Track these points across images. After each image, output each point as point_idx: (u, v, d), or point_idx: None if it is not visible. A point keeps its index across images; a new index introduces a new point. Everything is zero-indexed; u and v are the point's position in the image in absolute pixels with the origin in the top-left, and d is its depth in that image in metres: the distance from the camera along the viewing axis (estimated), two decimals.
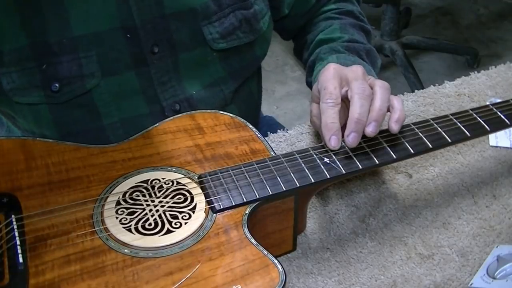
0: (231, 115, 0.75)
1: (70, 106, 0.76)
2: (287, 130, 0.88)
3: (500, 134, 0.86)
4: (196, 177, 0.66)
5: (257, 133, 0.72)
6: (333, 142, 0.67)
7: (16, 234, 0.59)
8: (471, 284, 0.65)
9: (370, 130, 0.66)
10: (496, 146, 0.85)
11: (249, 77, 0.93)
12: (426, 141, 0.69)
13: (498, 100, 0.76)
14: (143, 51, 0.77)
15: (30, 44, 0.72)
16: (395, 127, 0.68)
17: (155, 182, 0.65)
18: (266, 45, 0.91)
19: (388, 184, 0.79)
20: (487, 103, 0.75)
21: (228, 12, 0.82)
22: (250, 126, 0.73)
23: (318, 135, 0.87)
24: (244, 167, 0.66)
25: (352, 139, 0.66)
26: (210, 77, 0.85)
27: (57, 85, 0.74)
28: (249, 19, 0.84)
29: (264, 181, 0.64)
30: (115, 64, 0.76)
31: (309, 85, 0.92)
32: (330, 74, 0.71)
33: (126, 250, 0.58)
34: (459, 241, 0.71)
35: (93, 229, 0.60)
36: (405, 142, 0.69)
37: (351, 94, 0.68)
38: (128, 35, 0.76)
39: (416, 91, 0.97)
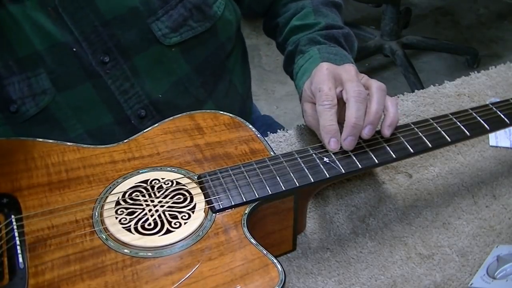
0: (230, 115, 0.74)
1: (32, 124, 0.75)
2: (287, 130, 0.88)
3: (500, 134, 0.86)
4: (196, 177, 0.66)
5: (256, 133, 0.72)
6: (332, 144, 0.67)
7: (16, 234, 0.59)
8: (471, 284, 0.65)
9: (366, 133, 0.67)
10: (496, 146, 0.85)
11: (227, 68, 0.89)
12: (426, 140, 0.69)
13: (498, 100, 0.76)
14: (92, 63, 0.75)
15: None
16: (387, 132, 0.68)
17: (155, 182, 0.65)
18: (230, 28, 0.87)
19: (388, 184, 0.79)
20: (487, 103, 0.75)
21: (175, 3, 0.79)
22: (250, 126, 0.73)
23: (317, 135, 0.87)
24: (243, 167, 0.66)
25: (348, 142, 0.66)
26: (175, 75, 0.82)
27: (15, 106, 0.74)
28: (199, 6, 0.81)
29: (264, 181, 0.64)
30: (67, 79, 0.75)
31: (289, 74, 0.90)
32: (324, 75, 0.70)
33: (125, 250, 0.58)
34: (459, 241, 0.71)
35: (93, 229, 0.60)
36: (405, 142, 0.69)
37: (346, 97, 0.68)
38: (74, 49, 0.74)
39: (416, 91, 0.97)
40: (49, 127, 0.76)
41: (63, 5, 0.72)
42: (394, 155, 0.68)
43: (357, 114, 0.66)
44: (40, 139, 0.70)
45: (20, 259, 0.57)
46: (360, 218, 0.75)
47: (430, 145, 0.69)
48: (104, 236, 0.60)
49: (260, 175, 0.65)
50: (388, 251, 0.70)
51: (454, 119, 0.72)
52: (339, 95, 0.69)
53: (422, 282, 0.67)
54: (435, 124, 0.71)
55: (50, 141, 0.71)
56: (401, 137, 0.70)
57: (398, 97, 0.95)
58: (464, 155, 0.84)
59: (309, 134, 0.87)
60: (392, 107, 0.69)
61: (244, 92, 0.97)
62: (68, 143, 0.70)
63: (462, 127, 0.70)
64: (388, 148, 0.68)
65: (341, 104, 0.70)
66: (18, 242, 0.58)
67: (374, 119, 0.67)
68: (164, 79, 0.81)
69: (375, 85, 0.69)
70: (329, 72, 0.71)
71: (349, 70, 0.70)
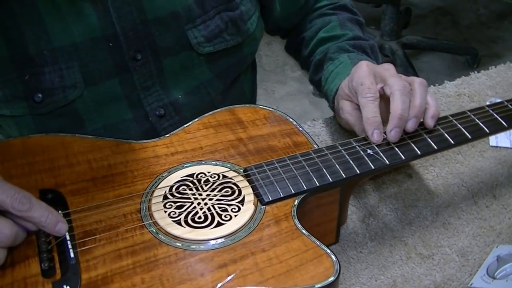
0: (270, 108, 0.75)
1: (53, 116, 0.75)
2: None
3: (500, 134, 0.86)
4: (242, 170, 0.65)
5: (298, 126, 0.72)
6: (376, 136, 0.68)
7: None
8: (471, 284, 0.65)
9: (410, 126, 0.68)
10: (496, 146, 0.86)
11: (241, 77, 0.91)
12: (465, 132, 0.70)
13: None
14: (125, 58, 0.75)
15: (11, 55, 0.71)
16: (431, 123, 0.70)
17: (201, 176, 0.65)
18: (254, 44, 0.89)
19: (388, 184, 0.80)
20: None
21: (213, 14, 0.80)
22: (291, 119, 0.73)
23: (317, 135, 0.88)
24: (289, 160, 0.66)
25: (394, 133, 0.68)
26: (196, 80, 0.83)
27: (40, 95, 0.73)
28: (236, 20, 0.82)
29: (310, 173, 0.64)
30: (97, 74, 0.75)
31: (316, 83, 0.92)
32: (365, 71, 0.72)
33: (177, 244, 0.58)
34: (459, 241, 0.71)
35: (142, 223, 0.60)
36: (445, 134, 0.69)
37: (391, 91, 0.69)
38: (110, 44, 0.74)
39: None
40: (69, 120, 0.76)
41: None
42: (435, 147, 0.68)
43: (403, 106, 0.67)
44: (80, 135, 0.70)
45: (72, 254, 0.56)
46: (360, 218, 0.75)
47: (469, 136, 0.70)
48: (154, 230, 0.59)
49: (306, 167, 0.65)
50: (388, 251, 0.71)
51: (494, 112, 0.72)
52: (380, 91, 0.71)
53: (422, 282, 0.67)
54: (472, 116, 0.72)
55: (90, 136, 0.70)
56: (441, 129, 0.70)
57: (432, 94, 0.96)
58: (464, 155, 0.84)
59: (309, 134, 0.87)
60: (432, 100, 0.71)
61: (250, 97, 0.99)
62: (107, 138, 0.70)
63: (463, 129, 0.71)
64: (430, 140, 0.69)
65: (381, 101, 0.70)
66: (68, 237, 0.58)
67: (418, 112, 0.68)
68: (186, 82, 0.82)
69: (418, 80, 0.70)
70: (369, 69, 0.72)
71: (389, 68, 0.72)
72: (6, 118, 0.75)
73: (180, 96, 0.81)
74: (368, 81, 0.70)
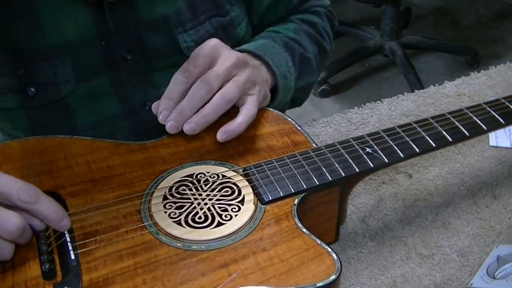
0: (269, 108, 0.75)
1: (45, 110, 0.75)
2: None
3: (500, 134, 0.87)
4: (241, 170, 0.65)
5: (296, 125, 0.72)
6: (161, 116, 0.67)
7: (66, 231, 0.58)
8: (471, 284, 0.65)
9: (186, 128, 0.67)
10: (496, 146, 0.86)
11: None
12: (463, 129, 0.70)
13: None
14: (115, 57, 0.76)
15: (7, 49, 0.72)
16: (219, 136, 0.68)
17: (200, 176, 0.65)
18: None
19: (388, 184, 0.80)
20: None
21: (204, 19, 0.80)
22: (289, 118, 0.73)
23: (317, 135, 0.88)
24: (288, 159, 0.66)
25: (169, 126, 0.67)
26: None
27: (32, 89, 0.74)
28: (226, 26, 0.83)
29: (310, 172, 0.64)
30: (89, 71, 0.75)
31: None
32: (207, 48, 0.69)
33: (178, 244, 0.58)
34: (459, 241, 0.71)
35: (142, 224, 0.60)
36: (443, 131, 0.69)
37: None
38: (103, 43, 0.75)
39: (416, 91, 0.98)
40: (60, 114, 0.76)
41: None
42: (433, 144, 0.68)
43: (186, 100, 0.66)
44: (78, 137, 0.70)
45: (72, 256, 0.56)
46: (360, 218, 0.75)
47: (467, 133, 0.70)
48: (154, 231, 0.59)
49: (306, 166, 0.65)
50: (388, 251, 0.70)
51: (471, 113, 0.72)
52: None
53: (422, 282, 0.67)
54: (469, 113, 0.72)
55: (88, 138, 0.70)
56: (438, 127, 0.70)
57: (398, 97, 0.96)
58: (464, 155, 0.84)
59: (310, 134, 0.87)
60: (243, 116, 0.68)
61: None
62: (106, 139, 0.70)
63: (461, 127, 0.70)
64: (428, 138, 0.69)
65: None
66: (68, 239, 0.58)
67: (199, 119, 0.67)
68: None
69: (222, 92, 0.68)
70: (213, 49, 0.70)
71: (228, 58, 0.69)
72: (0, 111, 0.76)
73: None
74: (198, 60, 0.68)
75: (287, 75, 0.81)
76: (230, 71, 0.69)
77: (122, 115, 0.79)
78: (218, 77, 0.68)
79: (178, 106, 0.67)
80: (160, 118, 0.68)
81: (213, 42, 0.70)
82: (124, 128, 0.79)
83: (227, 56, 0.70)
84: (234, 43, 0.83)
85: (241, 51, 0.76)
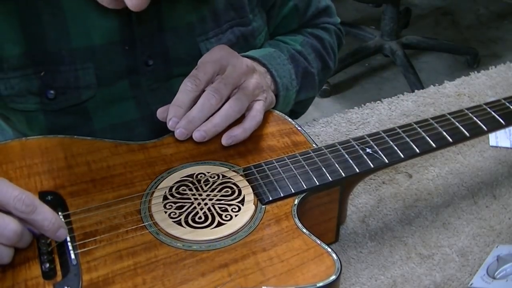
0: (269, 109, 0.75)
1: (64, 113, 0.75)
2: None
3: (501, 134, 0.87)
4: (242, 170, 0.65)
5: (297, 126, 0.72)
6: (171, 123, 0.68)
7: None
8: (471, 284, 0.65)
9: (196, 136, 0.68)
10: (496, 146, 0.86)
11: None
12: (464, 130, 0.70)
13: None
14: (137, 62, 0.76)
15: (30, 51, 0.71)
16: (224, 140, 0.68)
17: (201, 176, 0.65)
18: None
19: (388, 184, 0.80)
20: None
21: (226, 28, 0.81)
22: (289, 119, 0.73)
23: (317, 135, 0.88)
24: (288, 159, 0.66)
25: (178, 133, 0.68)
26: None
27: (52, 92, 0.73)
28: (247, 36, 0.83)
29: (310, 172, 0.64)
30: (110, 76, 0.75)
31: None
32: (216, 54, 0.71)
33: (178, 244, 0.58)
34: (459, 241, 0.71)
35: (142, 224, 0.60)
36: (443, 132, 0.69)
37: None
38: (126, 47, 0.75)
39: (416, 91, 0.98)
40: (79, 117, 0.76)
41: None
42: (434, 145, 0.68)
43: (196, 109, 0.67)
44: (78, 137, 0.70)
45: (72, 256, 0.56)
46: (360, 218, 0.75)
47: (467, 134, 0.70)
48: (154, 231, 0.59)
49: (306, 167, 0.65)
50: (388, 251, 0.70)
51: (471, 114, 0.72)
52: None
53: (422, 282, 0.67)
54: (470, 114, 0.72)
55: (88, 138, 0.70)
56: (439, 127, 0.70)
57: (398, 97, 0.96)
58: (464, 155, 0.84)
59: (310, 134, 0.87)
60: (249, 122, 0.69)
61: None
62: (107, 140, 0.70)
63: (461, 127, 0.70)
64: (428, 138, 0.69)
65: None
66: (68, 239, 0.58)
67: (208, 128, 0.68)
68: None
69: (256, 107, 0.70)
70: (222, 55, 0.71)
71: (237, 68, 0.70)
72: (17, 112, 0.76)
73: None
74: (207, 67, 0.69)
75: (289, 87, 0.82)
76: (239, 79, 0.70)
77: (140, 120, 0.79)
78: (228, 85, 0.69)
79: (188, 114, 0.68)
80: (170, 125, 0.68)
81: (222, 48, 0.71)
82: (141, 133, 0.78)
83: (236, 63, 0.71)
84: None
85: (248, 57, 0.77)
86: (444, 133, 0.69)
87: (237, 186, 0.63)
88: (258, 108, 0.70)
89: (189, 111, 0.68)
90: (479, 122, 0.71)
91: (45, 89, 0.73)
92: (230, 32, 0.81)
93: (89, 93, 0.75)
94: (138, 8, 0.64)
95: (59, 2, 0.70)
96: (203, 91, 0.69)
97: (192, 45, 0.78)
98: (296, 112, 0.92)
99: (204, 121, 0.68)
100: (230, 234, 0.59)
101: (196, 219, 0.60)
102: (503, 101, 0.74)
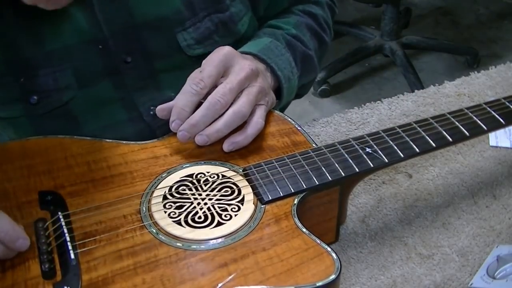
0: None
1: (49, 117, 0.75)
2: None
3: (500, 134, 0.86)
4: (241, 170, 0.66)
5: (296, 126, 0.72)
6: (174, 125, 0.68)
7: (65, 231, 0.59)
8: (471, 284, 0.65)
9: (198, 140, 0.67)
10: (496, 146, 0.86)
11: None
12: (463, 129, 0.70)
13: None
14: (115, 61, 0.76)
15: (6, 59, 0.71)
16: (225, 146, 0.68)
17: (200, 176, 0.65)
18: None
19: (388, 184, 0.80)
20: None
21: (203, 16, 0.80)
22: (289, 119, 0.73)
23: (317, 135, 0.88)
24: (288, 159, 0.66)
25: (181, 136, 0.67)
26: None
27: (35, 97, 0.73)
28: (226, 22, 0.82)
29: (310, 172, 0.64)
30: (90, 76, 0.75)
31: None
32: (219, 56, 0.70)
33: (178, 244, 0.58)
34: (459, 241, 0.71)
35: (142, 224, 0.60)
36: (443, 131, 0.69)
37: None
38: (100, 47, 0.74)
39: (416, 91, 0.98)
40: (65, 121, 0.76)
41: (100, 2, 0.72)
42: (433, 144, 0.68)
43: (198, 115, 0.67)
44: (78, 137, 0.70)
45: (72, 255, 0.56)
46: (360, 218, 0.75)
47: (467, 133, 0.70)
48: (154, 230, 0.59)
49: (306, 166, 0.65)
50: (388, 251, 0.70)
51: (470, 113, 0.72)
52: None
53: (422, 282, 0.67)
54: (470, 113, 0.72)
55: (88, 138, 0.70)
56: (438, 127, 0.70)
57: (398, 97, 0.96)
58: (464, 155, 0.84)
59: (310, 134, 0.87)
60: (252, 127, 0.69)
61: None
62: (106, 140, 0.70)
63: (461, 127, 0.70)
64: (428, 138, 0.69)
65: None
66: (68, 239, 0.58)
67: (210, 132, 0.67)
68: (179, 82, 0.81)
69: (258, 113, 0.69)
70: (226, 57, 0.70)
71: (242, 69, 0.70)
72: (3, 120, 0.76)
73: (173, 95, 0.81)
74: (211, 70, 0.69)
75: (290, 76, 0.82)
76: (243, 83, 0.69)
77: (128, 121, 0.79)
78: (233, 90, 0.68)
79: (191, 118, 0.67)
80: (173, 126, 0.68)
81: (226, 50, 0.71)
82: (132, 134, 0.78)
83: (241, 66, 0.70)
84: (235, 39, 0.83)
85: (245, 53, 0.76)
86: (444, 133, 0.69)
87: (237, 186, 0.64)
88: (259, 114, 0.70)
89: (192, 114, 0.68)
90: (479, 122, 0.71)
91: (28, 95, 0.73)
92: (208, 20, 0.80)
93: (70, 94, 0.74)
94: (52, 6, 0.64)
95: (26, 7, 0.69)
96: (207, 94, 0.69)
97: (169, 38, 0.78)
98: (299, 94, 0.91)
99: (207, 126, 0.68)
100: (230, 233, 0.59)
101: (196, 219, 0.60)
102: (503, 100, 0.74)
